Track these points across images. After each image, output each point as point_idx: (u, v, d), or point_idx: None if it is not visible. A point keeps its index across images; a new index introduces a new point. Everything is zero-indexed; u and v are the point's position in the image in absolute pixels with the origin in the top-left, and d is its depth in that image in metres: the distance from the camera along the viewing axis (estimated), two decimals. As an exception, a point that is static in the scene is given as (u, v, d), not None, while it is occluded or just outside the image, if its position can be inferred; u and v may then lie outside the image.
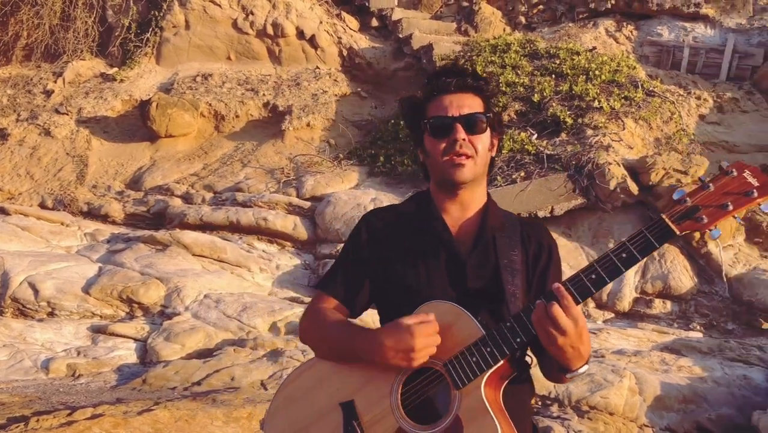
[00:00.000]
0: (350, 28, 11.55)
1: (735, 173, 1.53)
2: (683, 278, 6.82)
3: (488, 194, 1.97)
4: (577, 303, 1.58)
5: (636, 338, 5.59)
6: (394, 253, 1.89)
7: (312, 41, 11.20)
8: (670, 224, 1.53)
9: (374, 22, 11.78)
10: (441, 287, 1.81)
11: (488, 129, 1.86)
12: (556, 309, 1.54)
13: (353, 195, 7.72)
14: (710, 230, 1.53)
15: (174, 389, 4.76)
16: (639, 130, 8.39)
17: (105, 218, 8.54)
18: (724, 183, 1.52)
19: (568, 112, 8.37)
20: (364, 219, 1.99)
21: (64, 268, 6.37)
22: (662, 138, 8.49)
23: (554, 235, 6.40)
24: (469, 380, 1.65)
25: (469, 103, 1.83)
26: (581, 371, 1.67)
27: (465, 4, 12.09)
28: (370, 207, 7.60)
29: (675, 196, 1.56)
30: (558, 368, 1.70)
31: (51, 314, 6.02)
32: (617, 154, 7.70)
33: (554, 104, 8.53)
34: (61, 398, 4.46)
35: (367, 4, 11.80)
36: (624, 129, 8.20)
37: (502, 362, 1.65)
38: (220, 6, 11.21)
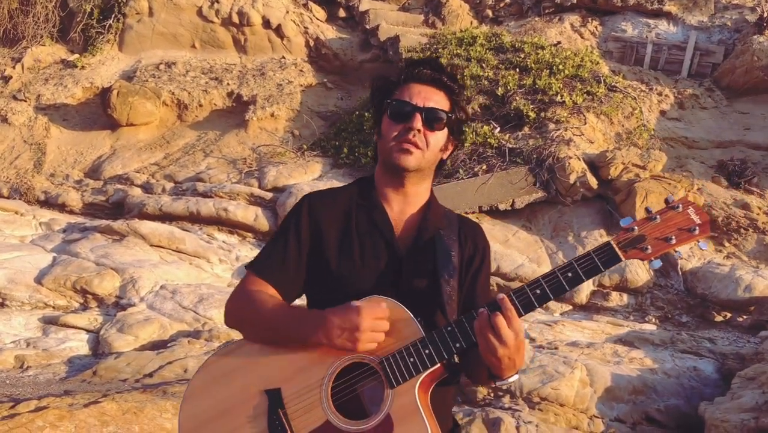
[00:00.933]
0: (317, 18, 11.48)
1: (680, 209, 1.62)
2: (640, 271, 6.91)
3: (431, 192, 1.94)
4: (520, 315, 1.61)
5: (591, 330, 5.66)
6: (332, 239, 1.84)
7: (278, 31, 11.10)
8: (617, 250, 1.60)
9: (342, 13, 11.72)
10: (376, 282, 1.78)
11: (446, 129, 1.85)
12: (500, 319, 1.56)
13: (315, 186, 7.67)
14: (652, 260, 1.61)
15: (125, 381, 4.69)
16: (600, 125, 8.47)
17: (62, 207, 8.39)
18: (669, 216, 1.61)
19: (531, 106, 8.41)
20: (306, 199, 1.91)
21: (17, 258, 6.25)
22: (623, 133, 8.58)
23: (515, 228, 6.44)
24: (405, 379, 1.64)
25: (436, 99, 1.82)
26: (511, 380, 1.69)
27: (433, -4, 12.06)
28: (332, 198, 7.58)
29: (623, 224, 1.63)
30: (488, 376, 1.70)
31: (2, 305, 5.89)
32: (578, 149, 7.77)
33: (518, 98, 8.56)
34: (6, 390, 4.37)
35: (334, -6, 11.72)
36: (585, 124, 8.27)
37: (438, 365, 1.65)
38: (184, -7, 11.04)
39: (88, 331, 5.55)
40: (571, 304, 6.88)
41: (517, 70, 9.10)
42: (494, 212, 7.54)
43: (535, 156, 7.68)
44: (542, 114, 8.34)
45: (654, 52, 10.59)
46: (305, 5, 11.51)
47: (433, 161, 1.86)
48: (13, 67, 10.86)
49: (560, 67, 8.95)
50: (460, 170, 7.65)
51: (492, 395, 4.46)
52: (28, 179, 8.89)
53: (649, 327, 6.10)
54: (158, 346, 5.31)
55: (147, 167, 9.11)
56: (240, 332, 1.83)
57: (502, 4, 11.84)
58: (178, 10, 11.08)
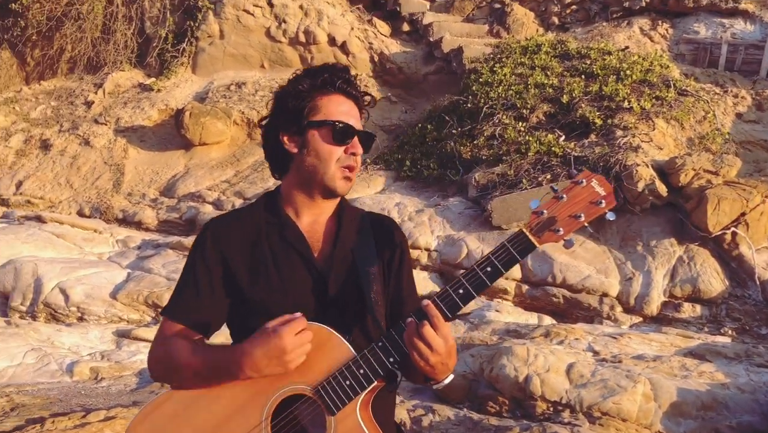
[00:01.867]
0: (381, 34, 11.60)
1: (584, 183, 1.59)
2: (714, 281, 6.63)
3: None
4: (447, 319, 1.58)
5: (659, 343, 5.46)
6: (243, 264, 1.74)
7: (343, 47, 11.28)
8: (530, 236, 1.58)
9: (405, 27, 11.81)
10: (298, 301, 1.70)
11: None
12: (428, 329, 1.54)
13: (378, 200, 7.74)
14: (565, 240, 1.59)
15: (191, 392, 4.85)
16: (671, 131, 8.20)
17: (139, 225, 8.77)
18: (575, 193, 1.59)
19: (598, 113, 8.23)
20: (208, 227, 1.80)
21: (94, 274, 6.56)
22: (695, 138, 8.28)
23: (581, 238, 6.31)
24: (344, 404, 1.61)
25: (358, 116, 1.80)
26: (446, 381, 1.67)
27: (497, 6, 12.01)
28: (394, 212, 7.63)
29: (532, 207, 1.62)
30: (424, 379, 1.68)
31: (80, 319, 6.21)
32: (646, 156, 7.54)
33: (583, 105, 8.40)
34: (80, 401, 4.60)
35: (398, 9, 11.83)
36: (654, 129, 8.02)
37: (376, 382, 1.62)
38: (253, 15, 11.39)
39: (158, 344, 5.77)
40: (641, 315, 6.67)
41: (583, 76, 8.93)
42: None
43: (601, 164, 7.50)
44: (609, 121, 8.15)
45: (729, 52, 10.18)
46: (369, 21, 11.66)
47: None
48: (96, 93, 11.45)
49: (628, 72, 8.73)
50: (524, 180, 7.56)
51: (551, 409, 4.38)
52: (107, 199, 9.33)
53: (723, 340, 5.85)
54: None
55: (218, 184, 9.41)
56: (167, 383, 1.76)
57: (568, 11, 11.66)
58: (248, 31, 11.42)
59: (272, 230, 1.78)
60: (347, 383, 1.60)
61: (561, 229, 1.58)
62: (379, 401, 1.70)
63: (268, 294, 1.71)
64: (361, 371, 1.60)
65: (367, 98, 1.87)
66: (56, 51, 12.10)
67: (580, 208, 1.58)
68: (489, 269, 1.58)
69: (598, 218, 1.60)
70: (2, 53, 12.07)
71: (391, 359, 1.61)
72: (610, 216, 1.60)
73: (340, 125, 1.74)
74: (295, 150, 1.77)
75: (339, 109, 1.76)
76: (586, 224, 1.60)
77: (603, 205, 1.57)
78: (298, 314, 1.60)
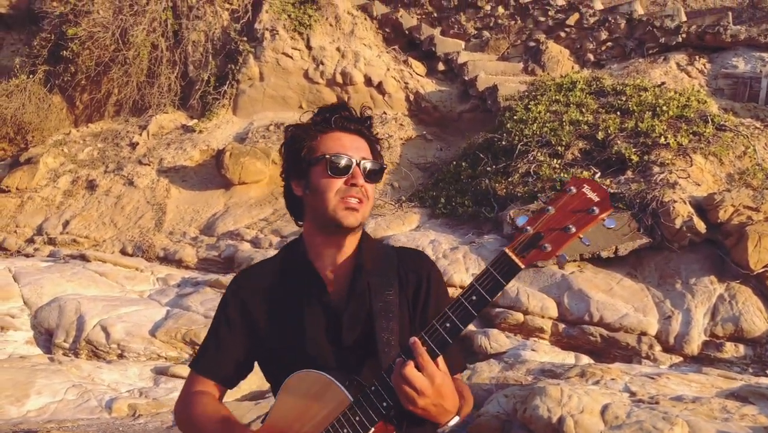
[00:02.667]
0: (417, 73, 11.78)
1: (574, 190, 1.45)
2: (757, 319, 6.46)
3: (363, 230, 1.87)
4: (436, 356, 1.50)
5: (699, 384, 5.32)
6: (262, 313, 1.79)
7: (379, 87, 11.48)
8: (514, 257, 1.45)
9: (441, 66, 11.96)
10: (318, 345, 1.73)
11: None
12: (409, 370, 1.47)
13: (412, 237, 7.78)
14: (557, 257, 1.46)
15: (225, 430, 4.90)
16: (709, 166, 8.10)
17: (179, 263, 8.96)
18: (564, 203, 1.45)
19: (634, 150, 8.18)
20: (232, 282, 1.90)
21: (134, 312, 6.72)
22: (735, 174, 8.15)
23: (618, 276, 6.26)
24: None
25: (365, 148, 1.81)
26: (452, 423, 1.57)
27: (532, 44, 12.11)
28: (429, 249, 7.66)
29: (518, 223, 1.49)
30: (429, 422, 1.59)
31: (120, 356, 6.35)
32: (684, 192, 7.45)
33: (619, 141, 8.36)
34: (118, 437, 4.68)
35: (433, 49, 12.01)
36: (692, 165, 7.93)
37: (373, 429, 1.56)
38: (291, 58, 11.69)
39: (195, 381, 5.86)
40: (681, 355, 6.53)
41: (618, 113, 8.91)
42: (597, 260, 7.33)
43: (638, 201, 7.43)
44: (645, 157, 8.09)
45: (769, 86, 10.06)
46: (405, 62, 11.86)
47: (370, 212, 1.82)
48: (140, 134, 11.83)
49: (664, 108, 8.68)
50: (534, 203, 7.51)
51: (586, 451, 4.30)
52: (149, 237, 9.57)
53: (767, 381, 5.67)
54: (257, 396, 5.51)
55: (256, 223, 9.58)
56: None
57: (603, 48, 11.68)
58: (287, 74, 11.71)
59: (292, 275, 1.81)
60: (344, 431, 1.57)
61: (548, 245, 1.43)
62: None
63: (287, 340, 1.75)
64: (357, 418, 1.56)
65: (365, 129, 1.84)
66: (103, 95, 12.58)
67: (570, 219, 1.43)
68: (474, 297, 1.48)
69: (592, 227, 1.44)
70: (53, 98, 12.57)
71: (384, 404, 1.54)
72: (609, 223, 1.46)
73: (333, 157, 1.74)
74: (301, 193, 1.82)
75: (336, 144, 1.77)
76: (580, 237, 1.45)
77: (596, 212, 1.41)
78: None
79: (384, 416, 1.56)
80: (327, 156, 1.75)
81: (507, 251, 1.47)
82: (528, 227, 1.46)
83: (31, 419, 5.14)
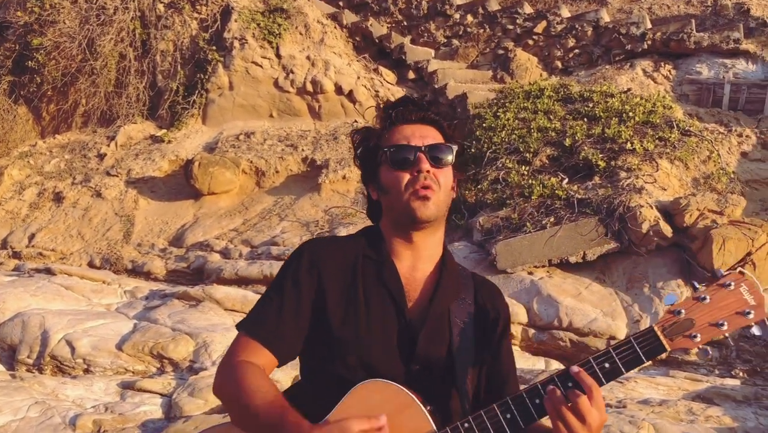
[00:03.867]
0: (387, 82, 11.80)
1: (732, 287, 1.44)
2: (722, 322, 6.54)
3: (445, 245, 1.77)
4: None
5: (666, 387, 5.38)
6: (335, 297, 1.62)
7: (350, 96, 11.47)
8: (662, 338, 1.44)
9: (411, 75, 12.00)
10: (383, 353, 1.59)
11: (453, 163, 1.72)
12: (583, 400, 1.38)
13: (383, 246, 7.77)
14: (699, 348, 1.46)
15: (192, 444, 4.82)
16: (675, 171, 8.21)
17: (148, 275, 8.84)
18: (720, 296, 1.44)
19: (601, 155, 8.27)
20: (307, 247, 1.72)
21: (101, 325, 6.60)
22: (700, 178, 8.28)
23: (587, 281, 6.31)
24: None
25: (433, 135, 1.70)
26: None
27: (500, 52, 12.19)
28: (399, 257, 7.65)
29: (667, 302, 1.49)
30: None
31: (87, 371, 6.22)
32: (651, 197, 7.54)
33: (586, 148, 8.45)
34: (81, 454, 4.58)
35: (403, 57, 12.04)
36: (658, 170, 8.03)
37: None
38: (261, 66, 11.63)
39: (162, 395, 5.76)
40: (649, 359, 6.58)
41: (586, 119, 9.01)
42: (565, 265, 7.38)
43: (605, 206, 7.50)
44: (612, 163, 8.18)
45: (732, 92, 10.24)
46: (375, 70, 11.87)
47: (448, 204, 1.71)
48: (108, 145, 11.67)
49: (630, 114, 8.79)
50: (528, 223, 7.56)
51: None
52: (117, 250, 9.44)
53: (732, 382, 5.74)
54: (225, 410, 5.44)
55: (226, 233, 9.50)
56: (225, 408, 1.69)
57: (571, 55, 11.80)
58: (256, 82, 11.65)
59: (369, 267, 1.67)
60: None
61: (699, 336, 1.43)
62: None
63: (353, 337, 1.60)
64: None
65: (431, 113, 1.75)
66: (71, 105, 12.41)
67: (724, 315, 1.42)
68: (607, 365, 1.44)
69: (740, 328, 1.44)
70: (19, 109, 12.38)
71: None
72: (756, 330, 1.44)
73: (392, 149, 1.66)
74: (376, 196, 1.74)
75: (400, 135, 1.68)
76: (726, 335, 1.46)
77: (751, 316, 1.42)
78: (383, 418, 1.38)
79: None
80: (386, 150, 1.67)
81: (656, 328, 1.45)
82: (682, 311, 1.45)
83: (-8, 438, 5.02)
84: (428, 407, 1.49)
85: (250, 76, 11.66)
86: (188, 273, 8.72)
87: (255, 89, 11.72)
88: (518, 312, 6.93)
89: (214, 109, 11.78)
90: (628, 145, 8.27)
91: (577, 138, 8.57)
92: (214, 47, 11.78)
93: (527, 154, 8.59)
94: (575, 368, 1.42)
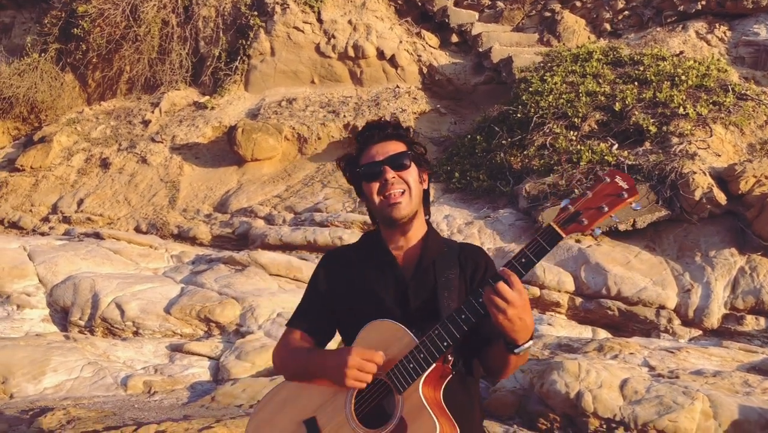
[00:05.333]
0: (430, 46, 11.60)
1: (608, 180, 1.81)
2: (778, 292, 6.34)
3: (428, 224, 2.25)
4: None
5: (719, 358, 5.24)
6: (351, 286, 2.17)
7: (392, 61, 11.32)
8: (557, 228, 1.81)
9: (454, 38, 11.77)
10: (386, 307, 2.07)
11: (413, 165, 2.14)
12: (502, 285, 1.77)
13: (427, 212, 7.70)
14: (592, 230, 1.80)
15: (240, 406, 4.89)
16: (729, 137, 7.92)
17: (193, 241, 8.94)
18: (600, 189, 1.81)
19: (652, 120, 8.02)
20: (322, 261, 2.31)
21: (149, 289, 6.71)
22: (756, 144, 7.97)
23: (636, 249, 6.17)
24: (408, 384, 1.90)
25: (393, 148, 2.12)
26: (527, 345, 1.86)
27: (547, 14, 11.87)
28: (443, 224, 7.59)
29: (561, 205, 1.85)
30: (505, 348, 1.87)
31: (136, 333, 6.35)
32: (704, 163, 7.30)
33: (637, 112, 8.19)
34: (133, 414, 4.69)
35: (447, 20, 11.81)
36: (712, 136, 7.76)
37: (434, 364, 1.90)
38: (303, 32, 11.53)
39: (210, 358, 5.86)
40: (700, 328, 6.43)
41: (636, 83, 8.72)
42: (614, 233, 7.22)
43: (656, 172, 7.30)
44: (664, 128, 7.92)
45: (792, 54, 9.80)
46: (418, 33, 11.68)
47: (419, 196, 2.15)
48: (152, 112, 11.76)
49: (683, 78, 8.48)
50: (576, 190, 7.39)
51: (604, 427, 4.24)
52: (163, 215, 9.56)
53: (789, 354, 5.58)
54: (273, 372, 5.49)
55: (270, 200, 9.53)
56: (283, 375, 2.22)
57: (620, 17, 11.43)
58: (298, 48, 11.57)
59: (370, 255, 2.20)
60: (411, 366, 1.91)
61: (585, 220, 1.79)
62: (453, 389, 1.98)
63: (364, 303, 2.11)
64: (421, 355, 1.90)
65: (389, 130, 2.18)
66: (115, 72, 12.50)
67: (604, 201, 1.78)
68: (523, 260, 1.82)
69: (622, 208, 1.78)
70: (65, 76, 12.52)
71: (445, 343, 1.88)
72: (636, 206, 1.85)
73: (361, 168, 2.14)
74: (367, 205, 2.24)
75: (368, 155, 2.14)
76: (611, 215, 1.79)
77: (626, 196, 1.77)
78: (380, 353, 1.94)
79: (444, 353, 1.89)
80: (359, 169, 2.15)
81: (552, 223, 1.82)
82: (570, 206, 1.82)
83: (48, 397, 5.16)
84: (413, 330, 1.96)
85: (291, 42, 11.57)
86: (233, 238, 8.79)
87: (296, 55, 11.63)
88: (565, 280, 6.82)
89: (256, 76, 11.75)
90: (681, 110, 7.99)
91: (627, 102, 8.32)
92: (255, 12, 11.71)
93: (575, 119, 8.38)
94: (501, 268, 1.81)
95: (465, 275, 2.12)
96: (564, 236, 1.80)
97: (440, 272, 2.09)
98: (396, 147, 2.14)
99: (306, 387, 2.08)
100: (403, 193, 2.09)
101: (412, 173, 2.13)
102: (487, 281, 1.82)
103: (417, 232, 2.18)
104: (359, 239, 2.35)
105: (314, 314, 2.23)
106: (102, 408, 4.82)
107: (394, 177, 2.08)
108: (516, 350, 1.87)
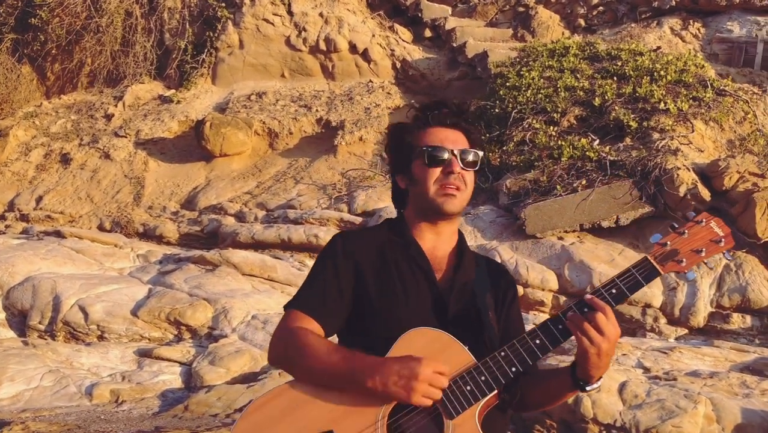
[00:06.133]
0: (403, 40, 11.36)
1: (704, 223, 1.78)
2: (764, 289, 6.26)
3: (460, 232, 2.04)
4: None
5: (712, 358, 5.11)
6: (370, 276, 1.87)
7: (365, 55, 11.05)
8: (655, 264, 1.73)
9: (428, 33, 11.55)
10: (420, 317, 1.79)
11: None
12: (601, 316, 1.63)
13: (405, 209, 7.46)
14: (686, 272, 1.75)
15: (216, 416, 4.59)
16: (710, 132, 7.85)
17: (160, 239, 8.56)
18: (695, 231, 1.77)
19: (632, 116, 7.90)
20: (339, 237, 1.96)
21: (114, 290, 6.35)
22: (736, 140, 7.92)
23: (620, 246, 5.97)
24: (464, 409, 1.66)
25: (462, 140, 1.92)
26: (598, 384, 1.74)
27: (521, 9, 11.74)
28: (423, 221, 7.35)
29: (653, 240, 1.78)
30: (572, 383, 1.74)
31: (101, 337, 5.98)
32: (686, 159, 7.20)
33: (617, 108, 8.07)
34: (100, 426, 4.35)
35: (420, 15, 11.58)
36: (693, 131, 7.67)
37: (495, 391, 1.68)
38: (273, 24, 11.20)
39: (181, 363, 5.53)
40: (686, 327, 6.31)
41: (615, 78, 8.61)
42: (597, 230, 7.08)
43: (639, 168, 7.17)
44: (645, 123, 7.81)
45: (765, 51, 9.81)
46: (391, 27, 11.43)
47: (469, 199, 1.96)
48: (116, 106, 11.30)
49: (662, 73, 8.39)
50: (558, 186, 7.24)
51: None
52: (128, 212, 9.14)
53: (780, 353, 5.47)
54: (249, 379, 5.20)
55: (240, 196, 9.19)
56: (287, 371, 1.80)
57: (594, 12, 11.35)
58: (267, 40, 11.23)
59: (396, 249, 1.92)
60: (468, 388, 1.67)
61: (684, 260, 1.74)
62: (490, 420, 1.72)
63: (395, 306, 1.82)
64: (483, 378, 1.67)
65: (462, 122, 1.95)
66: (76, 65, 11.98)
67: (701, 244, 1.75)
68: (614, 291, 1.71)
69: (716, 254, 1.78)
70: (22, 68, 11.97)
71: (514, 369, 1.68)
72: (727, 256, 1.98)
73: (430, 149, 1.88)
74: (404, 185, 1.97)
75: (434, 138, 1.90)
76: (705, 261, 1.77)
77: (722, 244, 1.76)
78: (447, 367, 1.66)
79: (510, 379, 1.69)
80: (424, 148, 1.89)
81: (649, 257, 1.75)
82: (667, 242, 1.77)
83: (4, 408, 4.78)
84: (466, 346, 1.72)
85: (261, 34, 11.22)
86: (202, 237, 8.44)
87: (266, 48, 11.29)
88: (548, 279, 6.65)
89: (224, 69, 11.37)
90: (661, 105, 7.89)
91: (606, 98, 8.19)
92: (223, 4, 11.32)
93: (555, 115, 8.22)
94: (588, 296, 1.68)
95: (497, 293, 1.96)
96: (663, 273, 1.73)
97: (479, 286, 1.90)
98: (463, 141, 1.93)
99: (319, 393, 1.71)
100: (458, 190, 1.88)
101: (473, 176, 1.95)
102: (574, 308, 1.68)
103: (452, 236, 1.98)
104: (381, 224, 2.06)
105: (331, 302, 1.85)
106: (65, 421, 4.46)
107: (460, 172, 1.87)
108: (588, 388, 1.73)
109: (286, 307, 1.89)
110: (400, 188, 1.99)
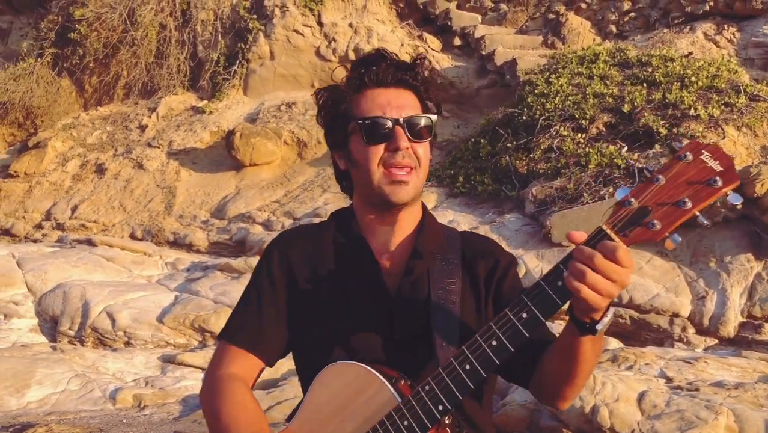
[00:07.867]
0: (432, 49, 11.38)
1: (690, 158, 1.17)
2: (798, 299, 6.08)
3: (424, 207, 1.61)
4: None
5: (739, 369, 4.97)
6: (307, 285, 1.54)
7: (394, 64, 11.08)
8: (613, 235, 1.16)
9: (457, 41, 11.55)
10: (364, 334, 1.47)
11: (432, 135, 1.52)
12: (622, 249, 1.16)
13: (430, 217, 7.46)
14: (666, 237, 1.17)
15: (234, 421, 4.63)
16: (742, 139, 7.67)
17: (189, 247, 8.70)
18: (677, 172, 1.16)
19: (662, 122, 7.76)
20: (275, 244, 1.62)
21: (142, 297, 6.46)
22: (770, 146, 7.72)
23: (647, 255, 5.84)
24: None
25: (410, 103, 1.50)
26: (609, 318, 1.28)
27: (551, 16, 11.65)
28: (447, 229, 7.32)
29: (618, 197, 1.18)
30: (578, 330, 1.28)
31: (127, 343, 6.10)
32: (717, 165, 7.04)
33: (646, 114, 7.94)
34: (121, 430, 4.43)
35: (449, 23, 11.60)
36: (724, 138, 7.51)
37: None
38: (303, 35, 11.33)
39: (203, 369, 5.59)
40: (716, 337, 6.16)
41: (645, 84, 8.48)
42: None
43: (667, 176, 7.03)
44: (674, 130, 7.67)
45: (803, 55, 9.56)
46: (420, 37, 11.47)
47: (425, 178, 1.54)
48: (150, 117, 11.55)
49: (693, 79, 8.23)
50: (585, 194, 7.15)
51: (622, 443, 3.97)
52: (159, 221, 9.32)
53: (813, 365, 5.30)
54: (269, 385, 5.24)
55: (268, 205, 9.29)
56: (206, 420, 1.55)
57: (626, 18, 11.20)
58: (298, 51, 11.36)
59: (342, 248, 1.57)
60: None
61: (657, 223, 1.15)
62: None
63: (332, 322, 1.50)
64: (405, 423, 1.30)
65: (423, 73, 1.52)
66: (112, 77, 12.30)
67: (685, 192, 1.15)
68: (560, 283, 1.22)
69: (711, 201, 1.16)
70: (62, 81, 12.32)
71: (441, 407, 1.28)
72: (733, 199, 1.17)
73: (366, 122, 1.46)
74: (344, 166, 1.57)
75: (372, 104, 1.48)
76: (696, 213, 1.17)
77: (719, 184, 1.15)
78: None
79: (438, 421, 1.30)
80: (359, 122, 1.47)
81: (604, 227, 1.17)
82: (631, 200, 1.16)
83: (32, 411, 4.90)
84: (401, 382, 1.36)
85: (291, 45, 11.36)
86: (230, 245, 8.55)
87: (296, 59, 11.43)
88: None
89: (255, 80, 11.54)
90: (692, 112, 7.74)
91: (636, 104, 8.07)
92: (254, 16, 11.51)
93: (583, 122, 8.13)
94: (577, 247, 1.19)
95: (474, 284, 1.52)
96: (626, 246, 1.18)
97: (436, 283, 1.48)
98: (411, 101, 1.50)
99: None
100: (411, 170, 1.47)
101: (427, 148, 1.51)
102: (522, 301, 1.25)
103: (411, 220, 1.55)
104: (327, 220, 1.67)
105: (267, 324, 1.54)
106: (88, 424, 4.56)
107: (408, 147, 1.45)
108: (598, 326, 1.27)
109: (219, 337, 1.61)
110: (339, 170, 1.61)
